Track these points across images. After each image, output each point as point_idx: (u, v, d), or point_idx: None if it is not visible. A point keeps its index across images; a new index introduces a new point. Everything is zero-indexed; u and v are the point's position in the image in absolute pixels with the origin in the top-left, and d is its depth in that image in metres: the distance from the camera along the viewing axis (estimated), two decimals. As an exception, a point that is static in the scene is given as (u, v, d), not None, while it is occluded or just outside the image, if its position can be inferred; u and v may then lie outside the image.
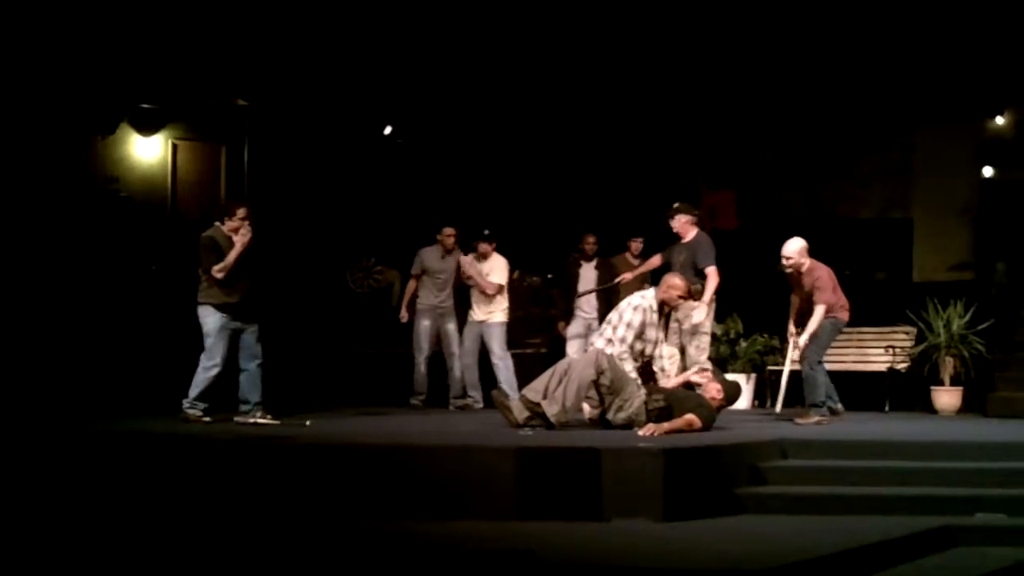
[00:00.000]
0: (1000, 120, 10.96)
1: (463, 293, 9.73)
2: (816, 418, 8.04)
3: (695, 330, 8.64)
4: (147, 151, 10.32)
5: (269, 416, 7.81)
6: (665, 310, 7.77)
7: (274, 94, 10.60)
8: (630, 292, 8.59)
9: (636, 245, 10.00)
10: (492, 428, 7.36)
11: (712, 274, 8.60)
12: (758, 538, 5.36)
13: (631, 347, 7.58)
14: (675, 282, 7.81)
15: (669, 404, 7.21)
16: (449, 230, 9.64)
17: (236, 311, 7.85)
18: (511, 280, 9.98)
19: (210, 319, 7.79)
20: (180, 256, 8.36)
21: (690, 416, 7.02)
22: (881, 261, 11.19)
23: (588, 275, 9.96)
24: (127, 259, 9.82)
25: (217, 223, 7.96)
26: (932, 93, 10.70)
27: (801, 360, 8.22)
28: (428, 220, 9.95)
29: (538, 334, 10.81)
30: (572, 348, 9.76)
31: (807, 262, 8.23)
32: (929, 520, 5.73)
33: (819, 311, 8.08)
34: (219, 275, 7.74)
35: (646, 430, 6.80)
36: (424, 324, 9.63)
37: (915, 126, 11.15)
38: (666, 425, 6.89)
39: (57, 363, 8.99)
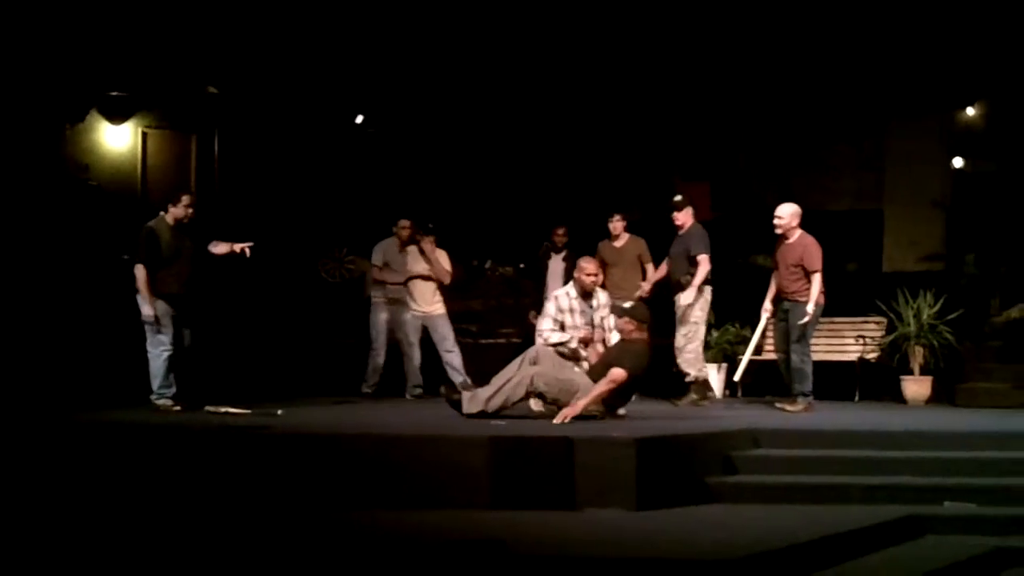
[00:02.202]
0: (970, 111, 11.03)
1: None
2: (803, 405, 8.11)
3: (685, 317, 8.66)
4: (117, 139, 10.24)
5: (241, 407, 7.78)
6: (587, 296, 7.83)
7: (245, 82, 10.54)
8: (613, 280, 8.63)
9: (616, 224, 9.51)
10: (463, 418, 7.32)
11: (703, 261, 8.66)
12: (730, 527, 5.36)
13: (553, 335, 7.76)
14: (581, 264, 7.95)
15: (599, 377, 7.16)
16: (405, 222, 9.71)
17: (175, 303, 7.88)
18: (484, 270, 9.97)
19: (149, 307, 7.74)
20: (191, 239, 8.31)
21: (612, 372, 6.98)
22: (852, 252, 11.24)
23: (557, 267, 9.96)
24: (97, 249, 9.70)
25: (162, 212, 7.95)
26: (903, 85, 10.76)
27: (787, 351, 8.26)
28: (398, 211, 9.91)
29: (511, 324, 10.79)
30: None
31: (798, 230, 8.28)
32: (899, 509, 5.76)
33: (816, 279, 8.10)
34: (138, 274, 7.67)
35: (559, 418, 6.82)
36: (382, 317, 9.71)
37: (886, 118, 11.19)
38: (581, 403, 6.91)
39: (27, 354, 8.88)
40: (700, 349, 8.89)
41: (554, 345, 7.67)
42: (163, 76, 10.11)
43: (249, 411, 7.58)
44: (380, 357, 9.70)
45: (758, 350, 9.20)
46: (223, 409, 7.63)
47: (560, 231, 10.01)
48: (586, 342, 7.68)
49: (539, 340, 7.70)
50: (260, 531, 5.31)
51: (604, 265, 9.23)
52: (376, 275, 9.78)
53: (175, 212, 7.92)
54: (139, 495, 5.89)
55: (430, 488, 5.81)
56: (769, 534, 5.13)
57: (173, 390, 7.82)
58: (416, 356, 9.69)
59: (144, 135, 10.32)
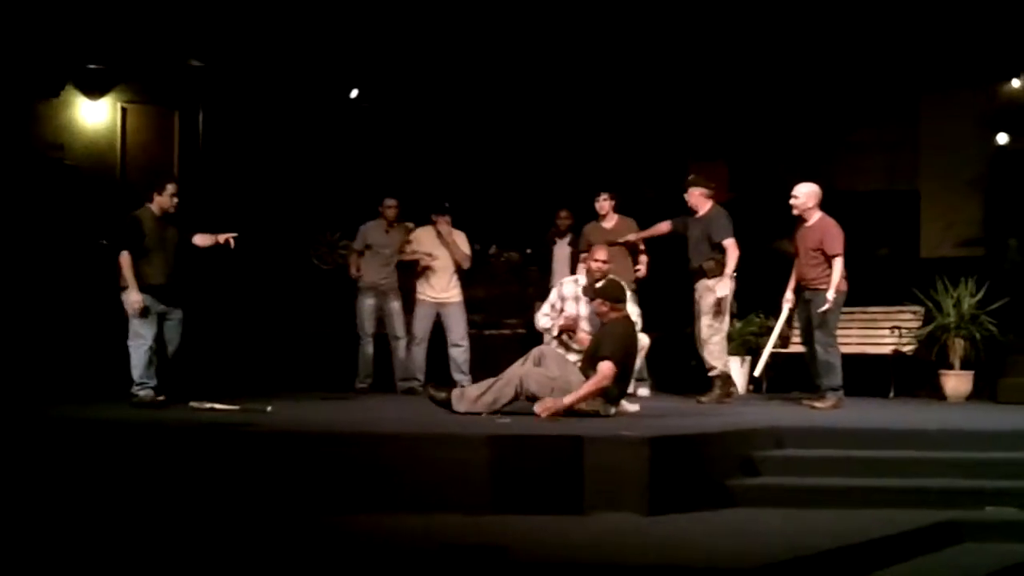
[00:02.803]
0: (1016, 83, 10.91)
1: (404, 270, 9.80)
2: (834, 400, 8.09)
3: (719, 307, 8.64)
4: (94, 116, 10.22)
5: (227, 403, 7.78)
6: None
7: (232, 54, 10.51)
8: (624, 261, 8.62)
9: (603, 204, 9.43)
10: (464, 415, 7.31)
11: (731, 246, 8.67)
12: (750, 533, 5.34)
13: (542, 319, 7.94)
14: (592, 251, 8.08)
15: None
16: (391, 201, 9.70)
17: (159, 294, 7.98)
18: (488, 256, 9.96)
19: (136, 295, 7.87)
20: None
21: (600, 368, 6.99)
22: (885, 236, 11.18)
23: (562, 253, 9.94)
24: (73, 234, 9.70)
25: (147, 202, 8.08)
26: (939, 54, 10.64)
27: (813, 343, 8.23)
28: (396, 193, 9.89)
29: (517, 314, 10.75)
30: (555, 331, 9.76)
31: (817, 212, 8.26)
32: (934, 514, 5.73)
33: (838, 264, 8.10)
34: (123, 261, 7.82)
35: (538, 407, 6.87)
36: (368, 303, 9.70)
37: (921, 90, 11.09)
38: (568, 399, 6.93)
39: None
40: (725, 341, 8.87)
41: (543, 331, 7.70)
42: (144, 47, 10.10)
43: (236, 407, 7.58)
44: (370, 347, 9.70)
45: (784, 342, 9.15)
46: (208, 405, 7.65)
47: (563, 214, 9.97)
48: (568, 330, 7.67)
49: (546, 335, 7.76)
50: (248, 535, 5.31)
51: (590, 247, 9.23)
52: (353, 263, 9.76)
53: (160, 201, 8.06)
54: (118, 497, 5.88)
55: (427, 490, 5.79)
56: (792, 541, 5.12)
57: (154, 382, 7.92)
58: (401, 348, 9.69)
59: (123, 111, 10.31)
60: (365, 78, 11.31)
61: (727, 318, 8.85)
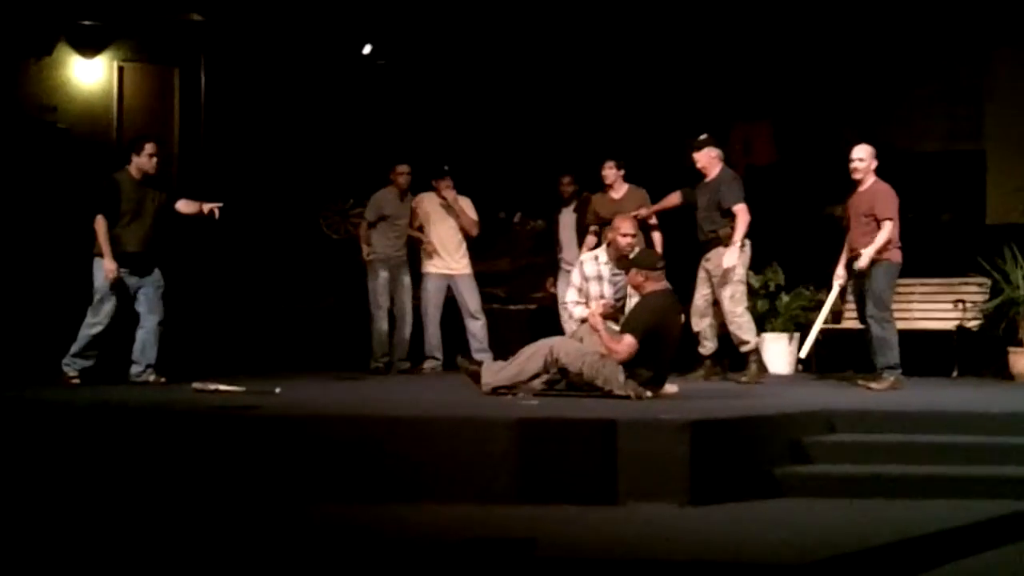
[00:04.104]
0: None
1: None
2: (891, 380, 8.08)
3: (727, 277, 8.65)
4: (88, 75, 10.25)
5: (163, 379, 8.13)
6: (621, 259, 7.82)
7: (235, 7, 10.49)
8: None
9: (609, 172, 9.35)
10: (487, 396, 7.34)
11: (741, 212, 8.67)
12: (799, 525, 5.32)
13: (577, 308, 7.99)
14: (616, 223, 8.04)
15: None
16: (403, 167, 9.73)
17: (133, 263, 8.10)
18: (512, 224, 9.94)
19: (101, 273, 8.06)
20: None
21: (620, 341, 7.05)
22: (948, 201, 11.05)
23: (567, 220, 9.98)
24: (66, 202, 9.71)
25: (127, 164, 8.19)
26: (1011, 4, 10.46)
27: (867, 318, 8.19)
28: (410, 156, 9.85)
29: (543, 287, 10.68)
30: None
31: (872, 176, 8.26)
32: (1002, 505, 5.68)
33: (886, 227, 8.06)
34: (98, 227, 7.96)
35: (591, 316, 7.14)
36: (383, 276, 9.74)
37: (987, 42, 10.91)
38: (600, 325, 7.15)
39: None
40: (748, 311, 8.86)
41: (581, 321, 7.66)
42: (141, 2, 10.11)
43: (242, 389, 7.61)
44: (384, 323, 9.74)
45: (835, 317, 9.07)
46: (212, 386, 7.67)
47: (566, 180, 9.99)
48: (606, 317, 7.56)
49: (563, 313, 7.73)
50: (257, 526, 5.32)
51: (599, 221, 9.17)
52: (364, 237, 9.78)
53: (139, 163, 8.16)
54: (119, 486, 5.90)
55: (448, 478, 5.79)
56: (845, 534, 5.09)
57: (87, 364, 8.11)
58: (407, 326, 9.75)
59: (120, 70, 10.32)
60: (379, 32, 11.24)
61: (743, 288, 8.86)
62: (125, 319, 8.25)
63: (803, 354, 8.82)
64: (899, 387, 8.11)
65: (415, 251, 9.89)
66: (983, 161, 11.07)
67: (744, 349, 8.83)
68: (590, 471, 5.75)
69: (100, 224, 8.02)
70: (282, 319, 10.48)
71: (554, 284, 10.05)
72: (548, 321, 9.62)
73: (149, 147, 8.17)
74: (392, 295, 9.79)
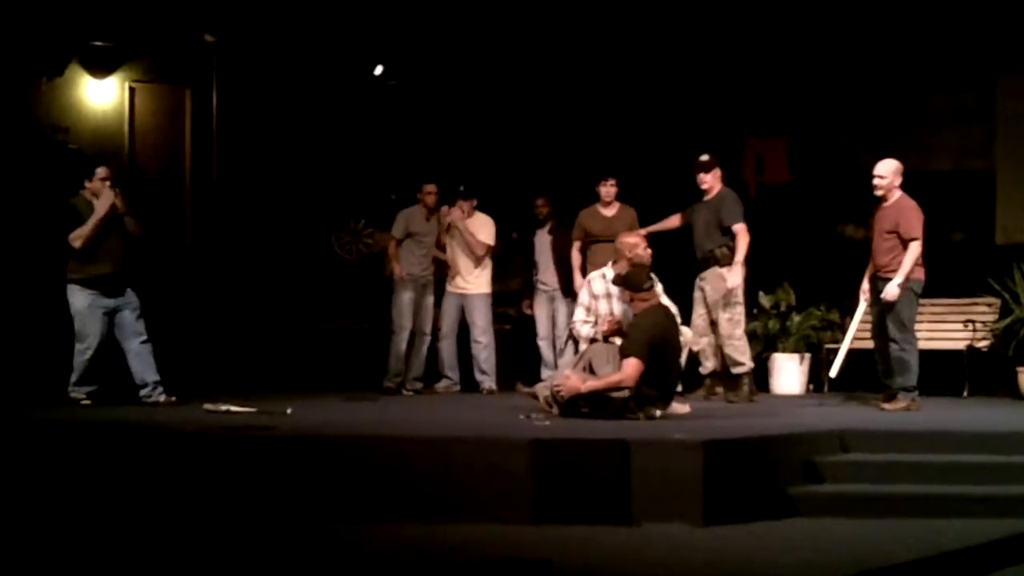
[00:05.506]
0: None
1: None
2: (906, 402, 8.05)
3: (728, 299, 8.63)
4: (100, 95, 10.29)
5: (174, 398, 8.14)
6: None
7: (247, 28, 10.52)
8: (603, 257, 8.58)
9: (607, 189, 9.36)
10: (500, 417, 7.36)
11: (742, 232, 8.66)
12: (813, 545, 5.34)
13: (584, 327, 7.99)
14: (625, 240, 8.02)
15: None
16: (430, 187, 9.77)
17: (106, 287, 8.13)
18: (524, 243, 10.00)
19: (76, 299, 8.13)
20: (139, 217, 8.38)
21: (624, 366, 7.00)
22: (958, 220, 11.06)
23: (543, 242, 9.98)
24: (77, 222, 9.74)
25: (81, 189, 8.25)
26: (1018, 21, 10.51)
27: (888, 340, 8.12)
28: (423, 177, 9.89)
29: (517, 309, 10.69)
30: (542, 327, 9.91)
31: (897, 191, 8.20)
32: (1015, 524, 5.69)
33: (913, 248, 7.98)
34: (76, 243, 8.05)
35: (561, 381, 7.07)
36: (407, 296, 9.75)
37: (997, 59, 10.95)
38: (585, 385, 7.07)
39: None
40: (745, 335, 8.88)
41: (587, 341, 7.68)
42: (153, 22, 10.14)
43: (253, 409, 7.63)
44: (404, 344, 9.75)
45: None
46: (223, 407, 7.69)
47: (540, 202, 10.00)
48: (612, 334, 7.58)
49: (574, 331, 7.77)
50: (271, 546, 5.34)
51: (587, 238, 9.20)
52: (392, 254, 9.79)
53: (92, 187, 8.21)
54: (131, 507, 5.93)
55: (463, 499, 5.82)
56: (861, 554, 5.10)
57: (92, 387, 8.13)
58: (423, 346, 9.79)
59: (131, 90, 10.36)
60: (391, 53, 11.29)
61: (741, 309, 8.83)
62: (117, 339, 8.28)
63: (833, 373, 8.71)
64: (914, 409, 8.05)
65: (442, 271, 9.92)
66: (993, 181, 11.10)
67: (737, 371, 8.80)
68: (604, 491, 5.76)
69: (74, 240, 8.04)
70: (295, 339, 10.50)
71: (530, 306, 10.08)
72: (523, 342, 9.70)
73: (101, 171, 8.21)
74: (414, 316, 9.80)
